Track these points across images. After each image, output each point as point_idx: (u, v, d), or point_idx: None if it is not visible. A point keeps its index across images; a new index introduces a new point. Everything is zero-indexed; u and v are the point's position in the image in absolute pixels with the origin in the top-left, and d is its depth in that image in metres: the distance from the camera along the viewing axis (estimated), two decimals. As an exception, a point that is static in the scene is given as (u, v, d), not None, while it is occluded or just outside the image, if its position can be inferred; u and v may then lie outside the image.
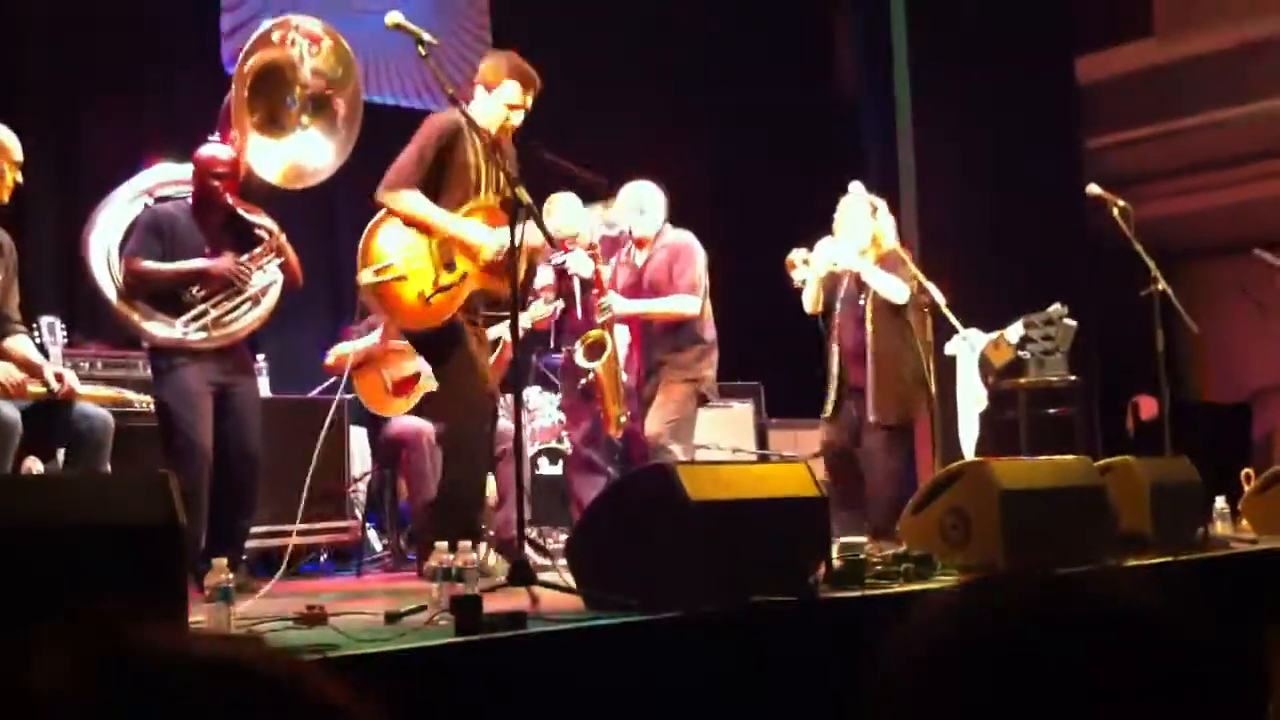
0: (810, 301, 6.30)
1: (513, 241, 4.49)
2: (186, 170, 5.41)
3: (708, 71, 10.14)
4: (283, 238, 5.28)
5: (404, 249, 4.97)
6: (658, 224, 6.24)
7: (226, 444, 5.17)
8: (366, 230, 5.10)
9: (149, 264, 5.14)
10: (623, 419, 6.02)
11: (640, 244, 6.25)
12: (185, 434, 5.04)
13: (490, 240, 4.90)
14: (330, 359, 6.49)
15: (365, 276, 4.99)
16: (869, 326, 6.18)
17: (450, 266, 4.90)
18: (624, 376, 6.10)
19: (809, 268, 6.20)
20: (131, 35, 7.61)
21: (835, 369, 6.29)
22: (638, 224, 6.19)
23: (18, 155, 4.80)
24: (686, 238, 6.26)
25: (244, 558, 5.34)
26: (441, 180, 4.96)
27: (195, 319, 5.15)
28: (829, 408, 6.30)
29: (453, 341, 4.97)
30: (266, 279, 5.33)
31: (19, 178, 4.82)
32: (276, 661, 0.78)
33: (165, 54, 7.48)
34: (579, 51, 9.22)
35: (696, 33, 9.91)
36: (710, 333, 6.21)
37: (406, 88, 8.61)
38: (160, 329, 5.15)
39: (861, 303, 6.22)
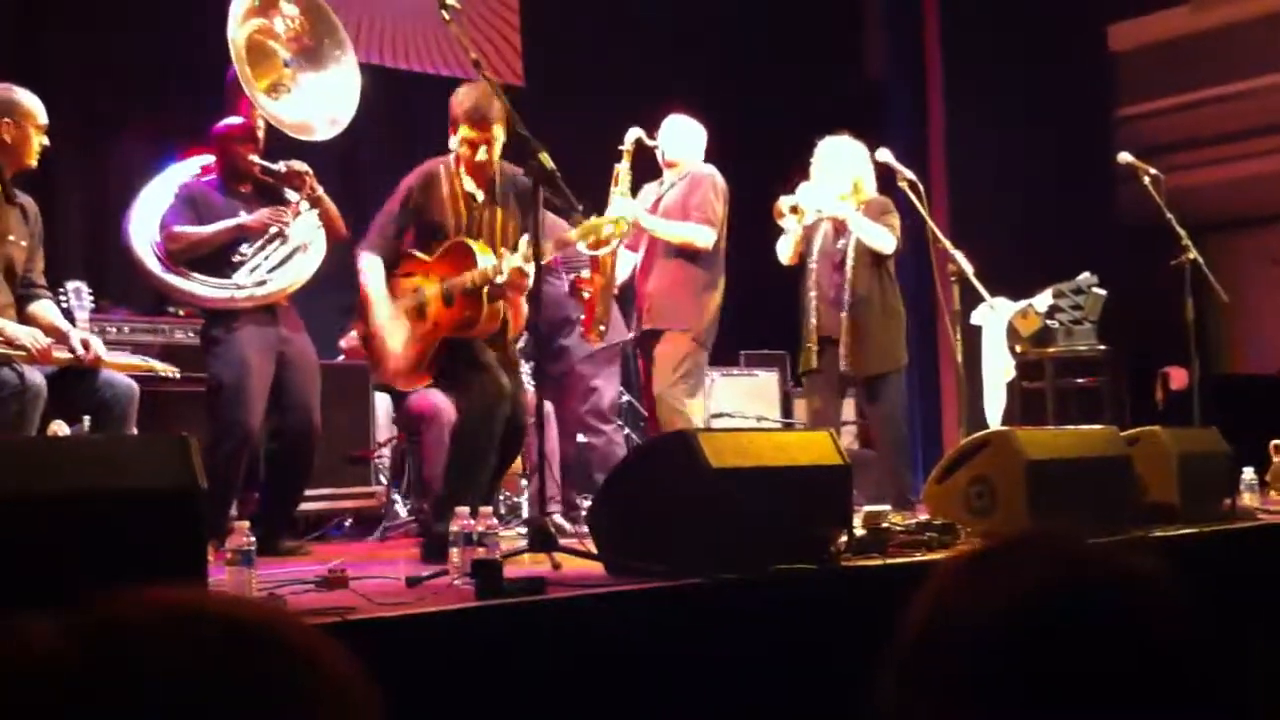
0: (790, 253, 6.12)
1: (536, 217, 4.47)
2: (209, 158, 5.49)
3: (734, 49, 10.07)
4: (318, 187, 5.31)
5: (383, 304, 5.02)
6: (692, 157, 6.18)
7: (288, 416, 5.24)
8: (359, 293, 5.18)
9: (188, 228, 5.22)
10: (602, 327, 5.93)
11: (669, 165, 6.20)
12: (231, 411, 5.10)
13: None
14: (344, 344, 6.52)
15: (355, 334, 5.14)
16: (848, 274, 6.03)
17: (421, 314, 4.93)
18: (613, 290, 6.02)
19: (797, 216, 6.03)
20: (154, 5, 7.62)
21: (814, 320, 6.10)
22: (670, 147, 6.14)
23: (43, 119, 4.81)
24: (708, 169, 6.16)
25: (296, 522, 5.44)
26: (419, 230, 5.05)
27: (252, 271, 5.22)
28: (812, 360, 6.08)
29: (454, 360, 4.97)
30: (310, 229, 5.38)
31: (45, 141, 4.84)
32: (290, 626, 0.77)
33: (185, 20, 7.46)
34: (602, 28, 9.18)
35: (723, 10, 9.83)
36: (718, 275, 6.08)
37: (434, 57, 8.57)
38: (215, 290, 5.22)
39: (840, 246, 6.08)
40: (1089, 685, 0.91)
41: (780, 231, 6.14)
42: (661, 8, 9.64)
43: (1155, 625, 0.94)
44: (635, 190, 6.16)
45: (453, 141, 4.97)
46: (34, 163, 4.85)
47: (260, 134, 5.41)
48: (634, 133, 6.02)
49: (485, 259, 4.83)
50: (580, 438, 6.43)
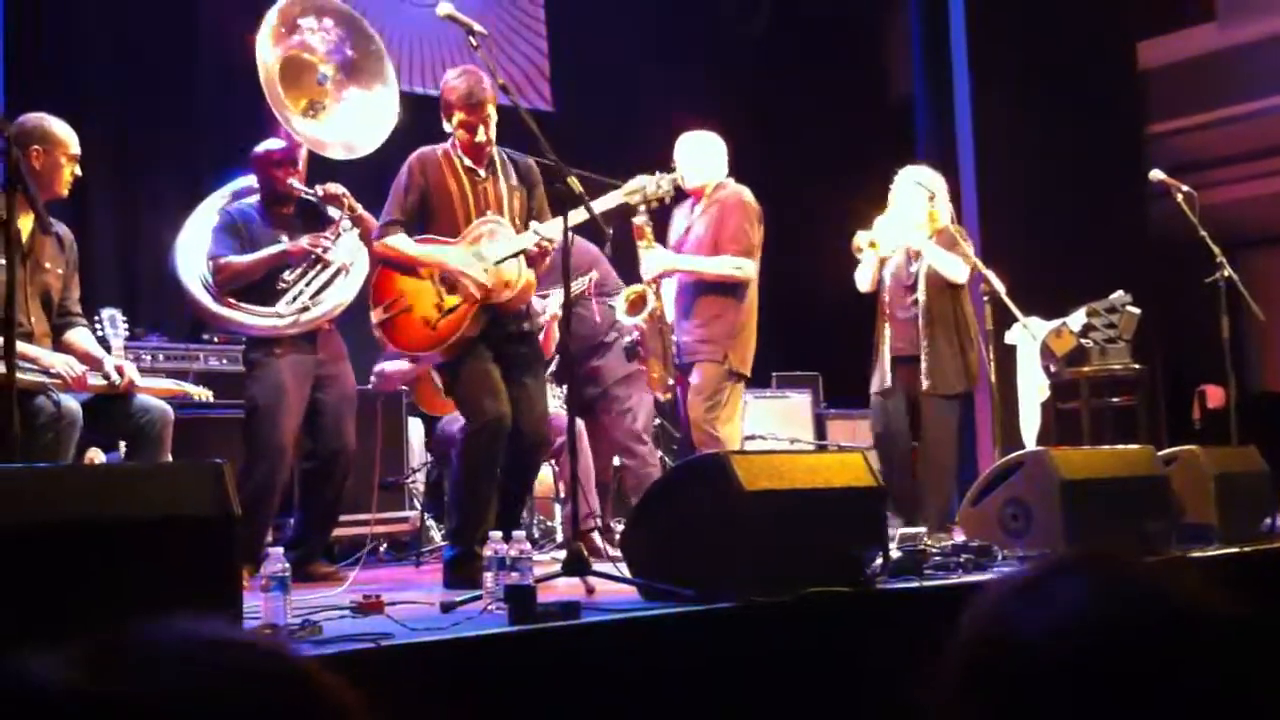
0: (868, 281, 6.26)
1: (565, 234, 4.47)
2: (250, 179, 5.50)
3: (761, 64, 10.09)
4: (357, 205, 5.31)
5: (407, 280, 5.01)
6: (714, 176, 6.01)
7: (320, 437, 5.27)
8: (374, 272, 5.15)
9: (233, 258, 5.25)
10: (670, 381, 5.83)
11: (696, 196, 6.02)
12: (267, 432, 5.12)
13: (474, 269, 4.90)
14: (375, 379, 6.51)
15: (375, 315, 5.02)
16: (921, 297, 6.12)
17: (453, 289, 4.91)
18: (674, 335, 5.91)
19: (875, 250, 6.16)
20: (186, 29, 7.69)
21: (887, 342, 6.22)
22: (690, 174, 5.90)
23: (75, 149, 4.83)
24: (738, 193, 5.98)
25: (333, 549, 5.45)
26: (427, 213, 5.03)
27: (294, 299, 5.25)
28: (887, 379, 6.18)
29: (459, 363, 4.97)
30: (351, 249, 5.39)
31: (77, 171, 4.86)
32: (280, 661, 0.78)
33: (217, 47, 7.53)
34: (631, 52, 9.20)
35: (750, 32, 9.85)
36: (750, 299, 5.94)
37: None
38: (263, 319, 5.25)
39: (913, 270, 6.18)
40: (1141, 708, 0.91)
41: (855, 262, 6.24)
42: (689, 31, 9.66)
43: (1208, 649, 0.93)
44: (665, 219, 6.01)
45: (448, 126, 5.01)
46: (65, 192, 4.86)
47: (302, 156, 5.42)
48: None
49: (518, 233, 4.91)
50: (615, 460, 6.41)
